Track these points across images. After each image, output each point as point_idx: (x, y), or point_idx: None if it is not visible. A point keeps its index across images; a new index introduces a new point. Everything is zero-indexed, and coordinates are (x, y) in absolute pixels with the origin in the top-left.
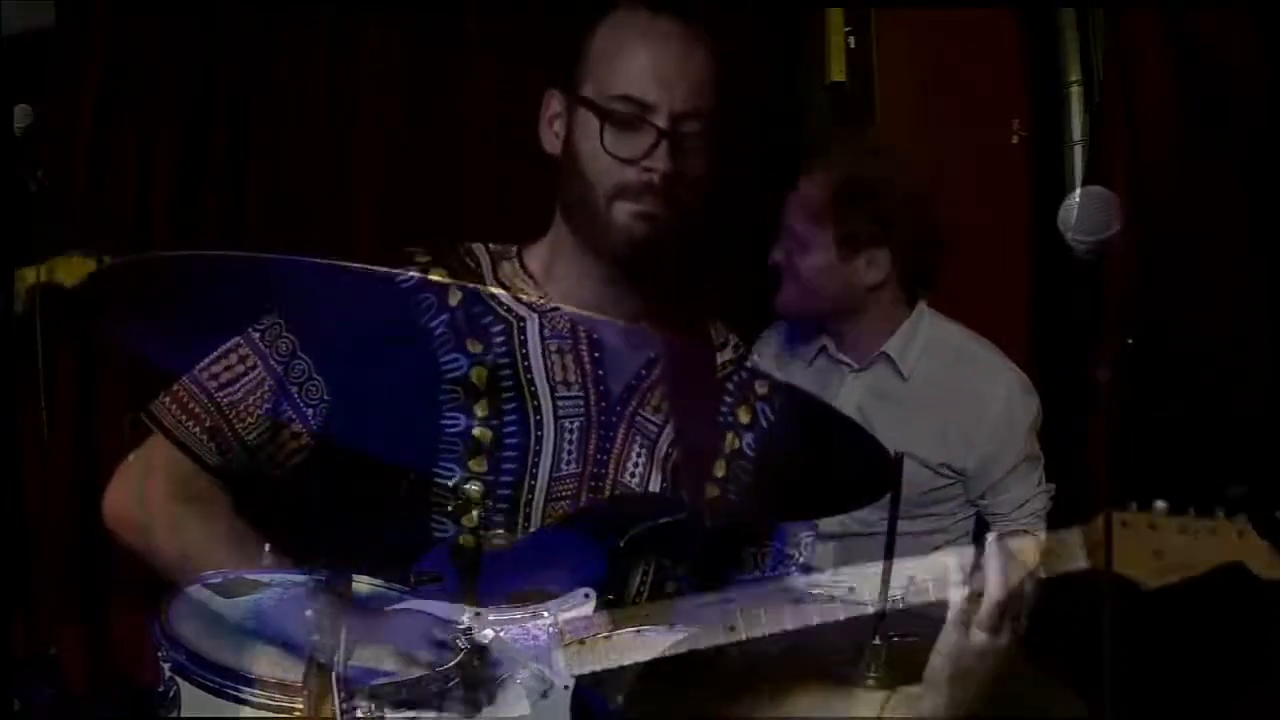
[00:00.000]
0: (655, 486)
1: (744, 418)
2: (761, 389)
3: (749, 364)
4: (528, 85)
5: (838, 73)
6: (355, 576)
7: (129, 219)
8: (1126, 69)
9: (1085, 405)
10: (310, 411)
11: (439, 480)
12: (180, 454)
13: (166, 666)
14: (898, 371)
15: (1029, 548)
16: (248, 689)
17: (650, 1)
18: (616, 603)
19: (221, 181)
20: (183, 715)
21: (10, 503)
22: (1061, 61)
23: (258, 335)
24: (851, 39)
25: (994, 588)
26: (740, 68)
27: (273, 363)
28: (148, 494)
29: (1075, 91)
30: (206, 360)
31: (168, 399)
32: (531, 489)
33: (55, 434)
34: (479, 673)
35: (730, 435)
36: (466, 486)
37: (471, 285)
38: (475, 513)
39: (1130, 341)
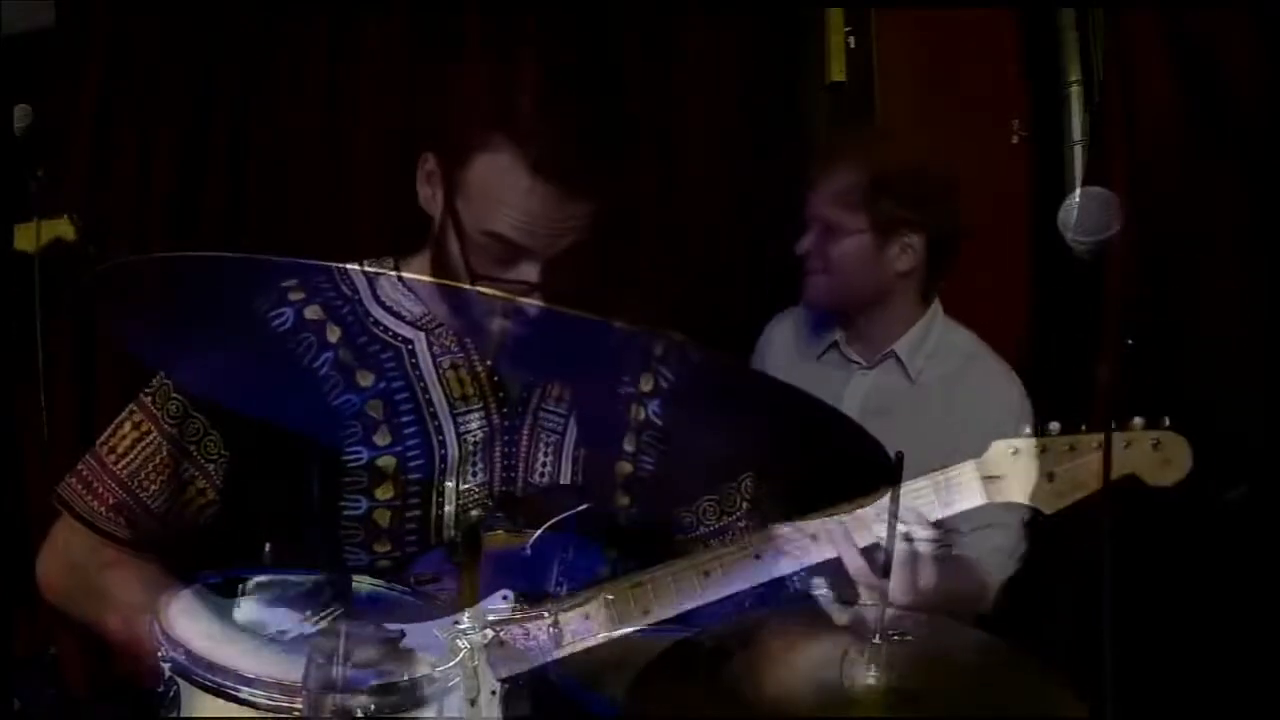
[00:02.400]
0: (565, 479)
1: (645, 386)
2: (657, 351)
3: (639, 333)
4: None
5: (838, 73)
6: (355, 576)
7: (128, 219)
8: (1126, 69)
9: (1085, 405)
10: (211, 467)
11: (347, 513)
12: (91, 533)
13: (166, 666)
14: (905, 373)
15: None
16: (248, 689)
17: (534, 162)
18: (535, 599)
19: (221, 181)
20: (183, 715)
21: (10, 503)
22: (1061, 61)
23: (149, 399)
24: (851, 39)
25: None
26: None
27: (165, 426)
28: (69, 567)
29: (1075, 91)
30: (106, 433)
31: (74, 479)
32: (440, 505)
33: (55, 434)
34: (476, 674)
35: (634, 406)
36: (374, 514)
37: (350, 316)
38: (386, 539)
39: (1130, 341)
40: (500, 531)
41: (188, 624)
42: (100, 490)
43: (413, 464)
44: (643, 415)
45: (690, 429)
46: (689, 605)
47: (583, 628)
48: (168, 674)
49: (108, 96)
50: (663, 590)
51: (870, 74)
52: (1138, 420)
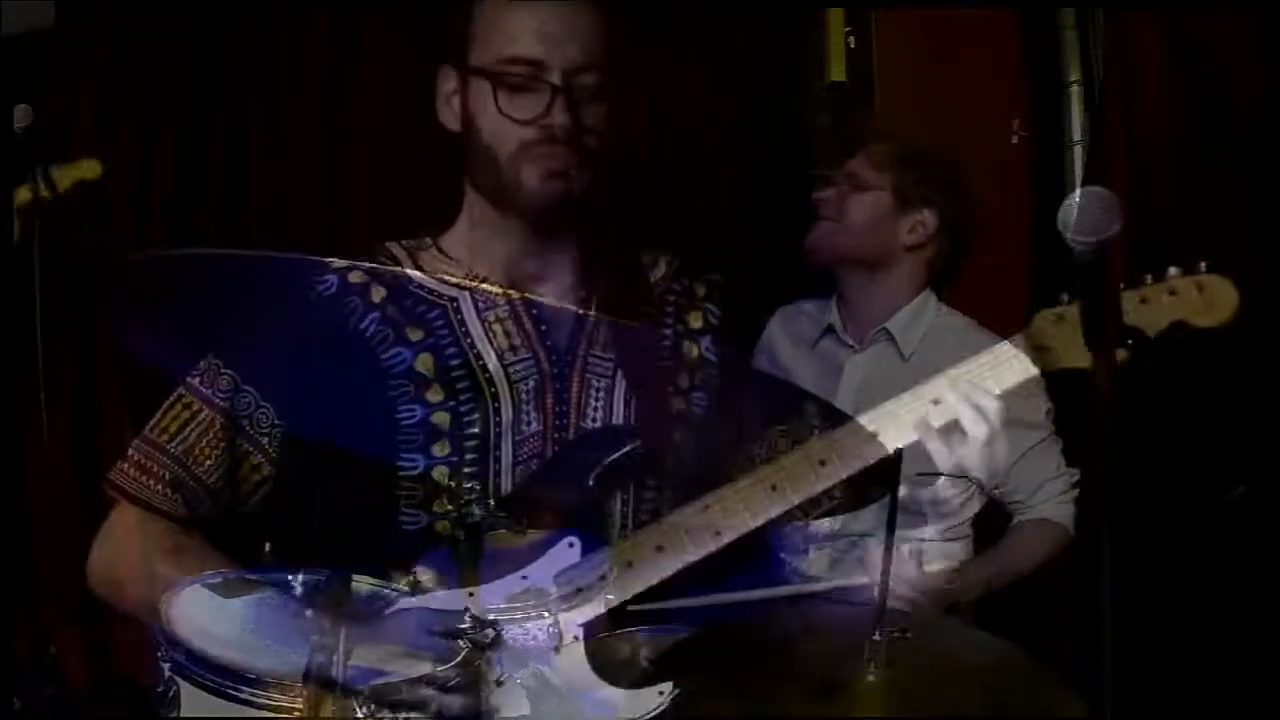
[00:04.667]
0: (619, 422)
1: (694, 323)
2: (700, 291)
3: (684, 274)
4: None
5: (838, 73)
6: (355, 576)
7: (128, 219)
8: (1126, 69)
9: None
10: (265, 440)
11: (404, 473)
12: (147, 514)
13: (166, 666)
14: (898, 351)
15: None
16: (248, 689)
17: None
18: (603, 542)
19: (221, 181)
20: (183, 715)
21: (10, 503)
22: (1061, 61)
23: (196, 380)
24: (851, 39)
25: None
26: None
27: (218, 401)
28: (130, 557)
29: (1075, 91)
30: (153, 420)
31: (124, 464)
32: (498, 459)
33: (55, 434)
34: (479, 673)
35: (687, 344)
36: (432, 472)
37: (392, 275)
38: (445, 496)
39: (1130, 342)
40: (503, 531)
41: (188, 624)
42: (155, 469)
43: (467, 418)
44: (695, 352)
45: (744, 363)
46: (758, 522)
47: (654, 561)
48: (168, 674)
49: (108, 96)
50: (731, 509)
51: (870, 74)
52: (1173, 269)
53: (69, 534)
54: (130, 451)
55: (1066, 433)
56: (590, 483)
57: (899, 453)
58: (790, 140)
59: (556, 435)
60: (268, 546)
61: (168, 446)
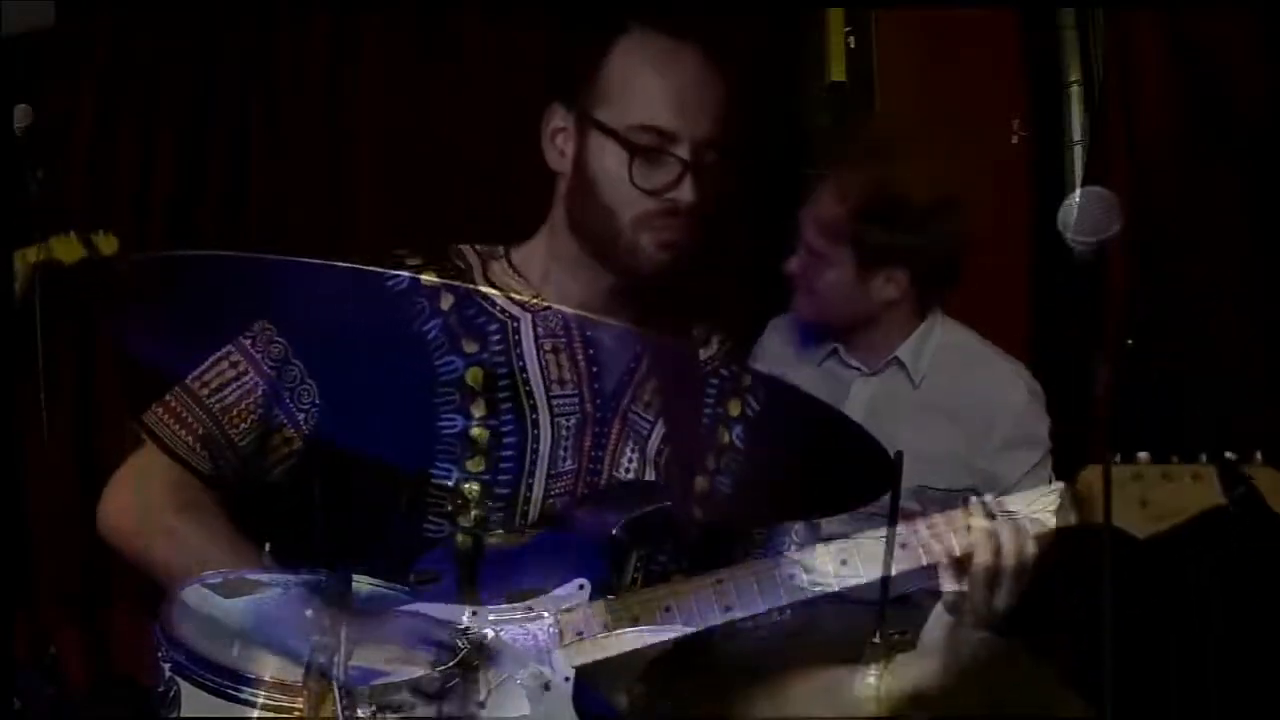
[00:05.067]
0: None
1: (733, 411)
2: (746, 381)
3: (733, 359)
4: (525, 95)
5: (838, 73)
6: (355, 576)
7: (128, 219)
8: (1126, 69)
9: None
10: (302, 416)
11: (436, 481)
12: (174, 463)
13: (166, 666)
14: (909, 377)
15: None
16: (248, 689)
17: (669, 26)
18: (611, 592)
19: (220, 181)
20: (183, 715)
21: (10, 503)
22: (1061, 61)
23: (248, 341)
24: (851, 39)
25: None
26: (745, 79)
27: (265, 367)
28: (143, 503)
29: (1075, 91)
30: (198, 369)
31: (160, 409)
32: (529, 486)
33: (55, 434)
34: (479, 673)
35: (720, 429)
36: (465, 486)
37: (464, 287)
38: (473, 512)
39: (1130, 341)
40: (500, 531)
41: (188, 624)
42: (190, 420)
43: (506, 439)
44: (727, 438)
45: (766, 462)
46: (768, 605)
47: (660, 621)
48: (168, 674)
49: (108, 96)
50: (744, 586)
51: (870, 74)
52: (1229, 454)
53: (69, 534)
54: (168, 397)
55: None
56: (615, 532)
57: (899, 454)
58: (790, 141)
59: (589, 479)
60: (267, 547)
61: (207, 401)
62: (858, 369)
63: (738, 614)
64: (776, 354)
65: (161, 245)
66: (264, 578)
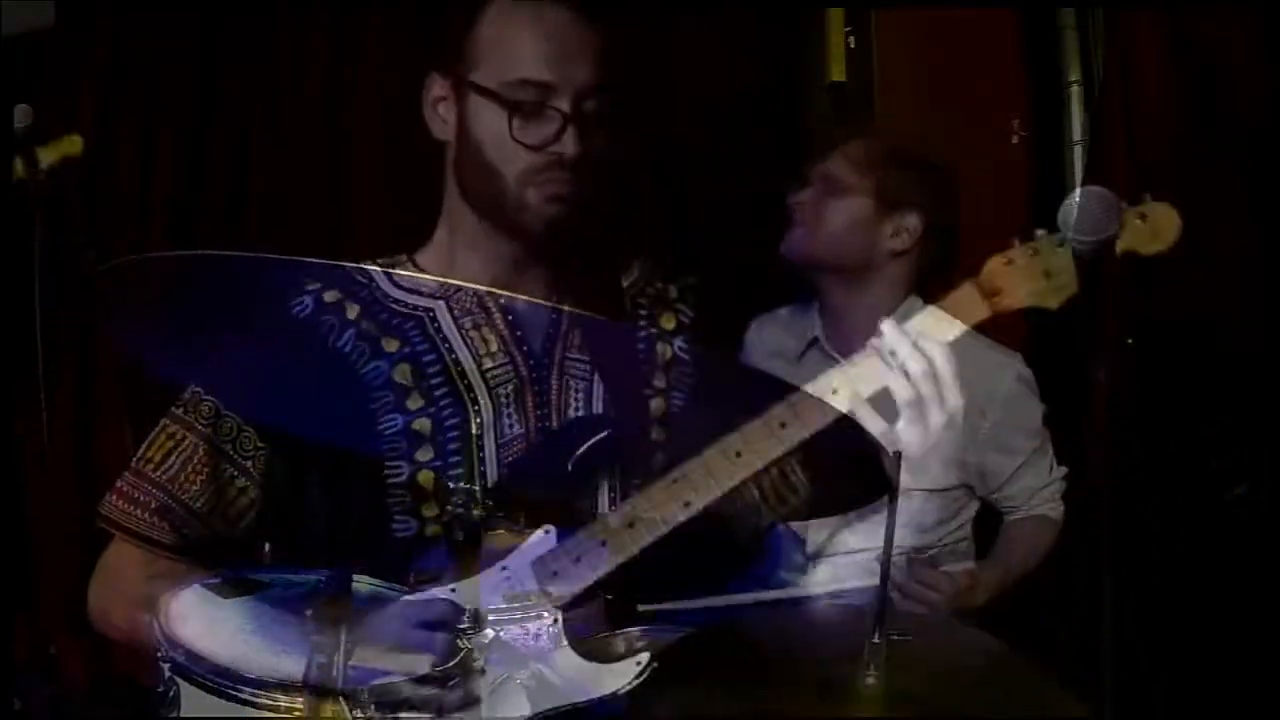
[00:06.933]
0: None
1: (666, 324)
2: (672, 294)
3: (656, 276)
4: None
5: (838, 73)
6: (355, 577)
7: (128, 219)
8: (1126, 69)
9: (1085, 405)
10: (249, 463)
11: (392, 481)
12: (138, 542)
13: (166, 667)
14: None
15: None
16: (248, 689)
17: None
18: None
19: (220, 182)
20: (182, 715)
21: (10, 504)
22: (1061, 61)
23: (180, 409)
24: (851, 39)
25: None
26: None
27: (199, 427)
28: (118, 587)
29: (1075, 91)
30: (138, 452)
31: (113, 496)
32: (482, 460)
33: (55, 434)
34: (479, 672)
35: (661, 345)
36: (419, 476)
37: (367, 294)
38: (435, 500)
39: (1130, 341)
40: (501, 530)
41: (188, 624)
42: (141, 498)
43: (448, 423)
44: (669, 353)
45: (720, 360)
46: (724, 489)
47: (627, 536)
48: (168, 674)
49: (108, 96)
50: (697, 478)
51: (870, 74)
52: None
53: (69, 537)
54: (118, 484)
55: (1057, 430)
56: (569, 468)
57: (898, 454)
58: (789, 141)
59: (539, 437)
60: (267, 547)
61: (153, 475)
62: (835, 359)
63: (697, 507)
64: (758, 355)
65: (162, 245)
66: (264, 578)
